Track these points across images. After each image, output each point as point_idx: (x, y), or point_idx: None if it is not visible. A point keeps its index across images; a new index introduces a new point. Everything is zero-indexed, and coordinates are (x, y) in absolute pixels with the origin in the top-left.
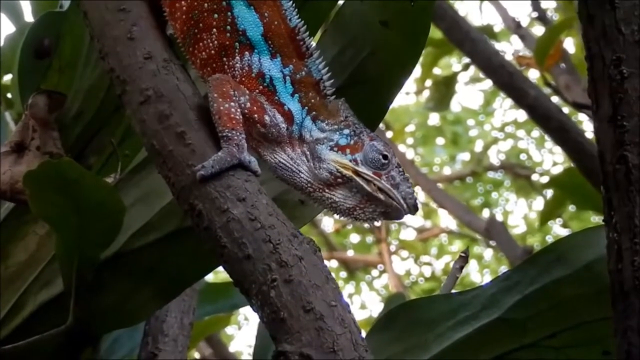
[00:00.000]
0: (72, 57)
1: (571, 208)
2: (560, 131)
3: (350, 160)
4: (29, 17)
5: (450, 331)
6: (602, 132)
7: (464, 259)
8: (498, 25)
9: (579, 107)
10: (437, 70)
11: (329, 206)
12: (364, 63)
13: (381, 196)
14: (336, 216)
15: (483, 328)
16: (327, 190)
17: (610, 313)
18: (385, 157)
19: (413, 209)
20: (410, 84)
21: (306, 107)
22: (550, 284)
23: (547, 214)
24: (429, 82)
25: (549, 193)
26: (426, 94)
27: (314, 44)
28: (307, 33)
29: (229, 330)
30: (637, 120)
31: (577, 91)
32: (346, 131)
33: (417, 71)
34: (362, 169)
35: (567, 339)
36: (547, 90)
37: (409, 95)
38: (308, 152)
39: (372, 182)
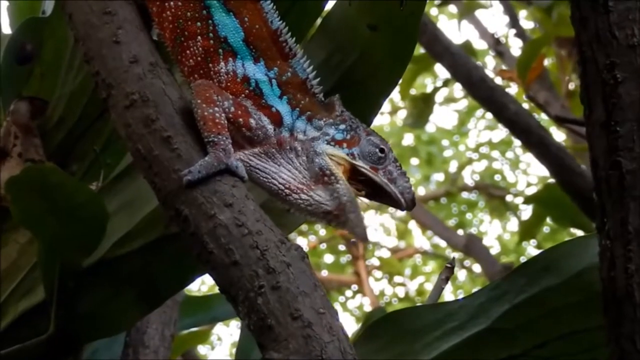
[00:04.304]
0: (54, 63)
1: (545, 229)
2: (540, 146)
3: (347, 154)
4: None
5: (437, 341)
6: (595, 138)
7: (450, 269)
8: (476, 44)
9: (560, 120)
10: (412, 91)
11: (304, 209)
12: (352, 68)
13: (354, 213)
14: (309, 217)
15: (471, 338)
16: (305, 191)
17: (601, 322)
18: (382, 150)
19: (411, 204)
20: (385, 104)
21: (297, 109)
22: (539, 293)
23: (527, 231)
24: (402, 103)
25: (524, 214)
26: (401, 114)
27: (297, 44)
28: (289, 34)
29: (202, 350)
30: (630, 125)
31: (556, 107)
32: (342, 126)
33: (393, 91)
34: (359, 162)
35: (557, 348)
36: (527, 106)
37: (383, 116)
38: (300, 149)
39: (370, 176)
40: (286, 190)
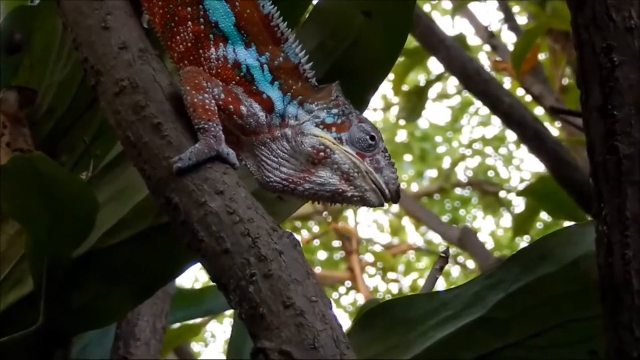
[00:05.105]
0: (43, 53)
1: (539, 225)
2: (536, 139)
3: (335, 139)
4: None
5: (432, 331)
6: (592, 123)
7: (444, 259)
8: (470, 41)
9: (555, 112)
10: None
11: (312, 196)
12: (345, 55)
13: (359, 177)
14: (322, 203)
15: (466, 327)
16: (307, 179)
17: (598, 312)
18: (372, 138)
19: (395, 196)
20: (377, 100)
21: (289, 94)
22: (535, 282)
23: (521, 225)
24: (396, 99)
25: (517, 210)
26: (394, 110)
27: (289, 30)
28: (281, 19)
29: (196, 347)
30: (628, 109)
31: (550, 101)
32: (334, 110)
33: (386, 87)
34: (346, 148)
35: (553, 338)
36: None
37: (376, 112)
38: (290, 133)
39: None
40: (292, 185)
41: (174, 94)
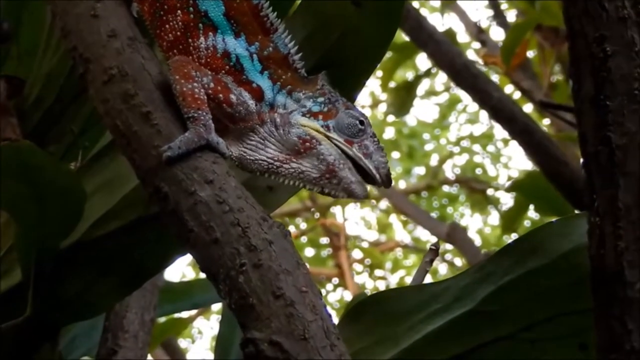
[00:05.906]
0: (31, 43)
1: (527, 223)
2: (524, 133)
3: (322, 126)
4: None
5: (421, 324)
6: (584, 113)
7: (434, 252)
8: (460, 36)
9: (544, 106)
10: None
11: (297, 177)
12: (335, 46)
13: (345, 167)
14: (307, 187)
15: (455, 320)
16: (294, 160)
17: (588, 304)
18: (361, 123)
19: (386, 179)
20: (365, 97)
21: (278, 83)
22: (525, 275)
23: (509, 221)
24: (384, 96)
25: (505, 207)
26: (382, 107)
27: (278, 20)
28: (270, 9)
29: (183, 344)
30: (621, 99)
31: (539, 97)
32: (320, 99)
33: (374, 83)
34: (333, 135)
35: (542, 331)
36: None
37: (364, 109)
38: (279, 120)
39: (342, 149)
40: (277, 163)
41: (163, 83)
